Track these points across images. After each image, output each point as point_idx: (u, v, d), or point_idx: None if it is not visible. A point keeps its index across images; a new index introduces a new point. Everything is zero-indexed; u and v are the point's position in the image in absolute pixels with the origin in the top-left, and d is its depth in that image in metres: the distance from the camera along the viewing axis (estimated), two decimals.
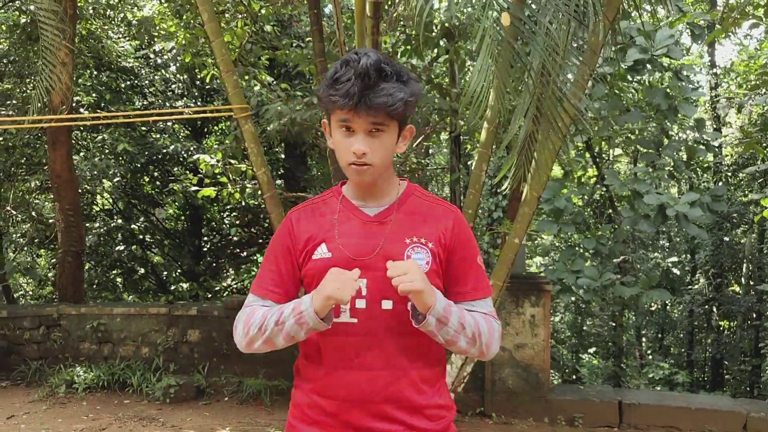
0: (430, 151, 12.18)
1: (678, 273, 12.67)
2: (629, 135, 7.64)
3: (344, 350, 1.52)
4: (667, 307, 13.36)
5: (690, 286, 12.57)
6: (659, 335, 13.97)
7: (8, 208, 9.10)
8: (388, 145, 1.54)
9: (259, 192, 6.74)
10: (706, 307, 12.26)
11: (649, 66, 6.38)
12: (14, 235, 10.18)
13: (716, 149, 9.56)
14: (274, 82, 8.15)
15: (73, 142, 8.86)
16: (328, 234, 1.58)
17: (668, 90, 6.48)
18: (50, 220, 9.58)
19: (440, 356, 1.61)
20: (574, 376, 11.82)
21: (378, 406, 1.50)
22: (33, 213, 9.61)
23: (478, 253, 1.64)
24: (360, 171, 1.52)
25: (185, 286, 9.48)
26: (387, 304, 1.51)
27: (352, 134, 1.50)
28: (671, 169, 7.11)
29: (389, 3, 6.35)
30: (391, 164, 1.61)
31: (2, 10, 8.68)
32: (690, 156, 7.22)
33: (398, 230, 1.55)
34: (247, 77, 7.28)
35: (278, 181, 9.82)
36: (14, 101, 8.88)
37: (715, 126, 11.83)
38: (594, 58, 3.91)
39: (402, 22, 6.67)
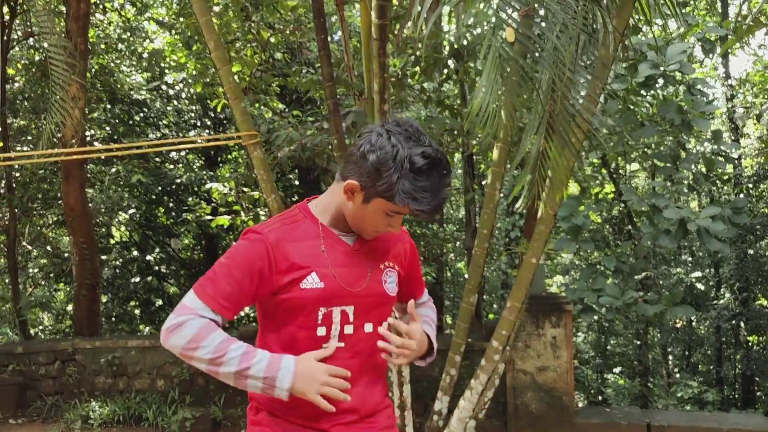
0: None
1: (702, 288, 12.39)
2: (645, 149, 7.52)
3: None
4: (693, 324, 13.05)
5: (715, 301, 12.27)
6: (686, 353, 13.62)
7: (24, 243, 9.16)
8: None
9: None
10: (734, 322, 11.94)
11: (661, 81, 6.28)
12: (31, 270, 10.23)
13: (735, 160, 9.38)
14: (286, 109, 8.16)
15: (88, 175, 8.93)
16: (316, 262, 1.58)
17: (682, 104, 6.37)
18: (66, 254, 9.62)
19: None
20: (599, 397, 11.54)
21: (359, 417, 1.64)
22: (49, 247, 9.67)
23: (420, 261, 1.89)
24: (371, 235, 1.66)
25: None
26: (368, 327, 1.64)
27: (393, 217, 1.59)
28: (690, 182, 6.96)
29: (396, 26, 6.34)
30: None
31: (17, 48, 8.81)
32: (709, 168, 7.07)
33: (375, 258, 1.67)
34: (258, 104, 7.29)
35: None
36: (29, 137, 8.98)
37: (733, 137, 11.64)
38: (605, 71, 3.83)
39: (410, 44, 6.66)
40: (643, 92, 6.66)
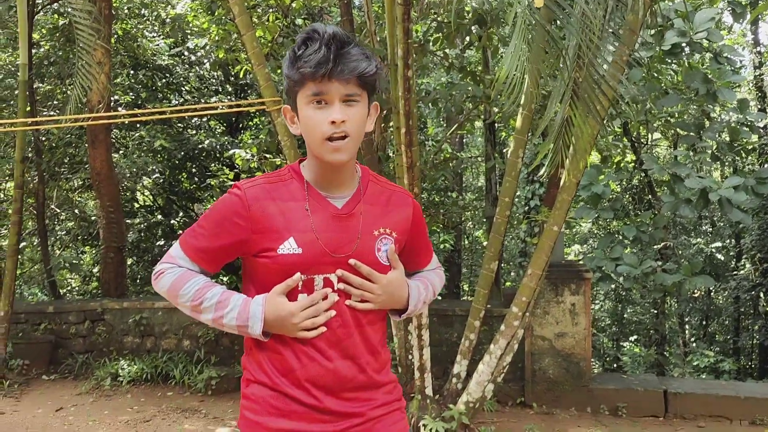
0: (464, 140, 12.08)
1: (722, 258, 12.35)
2: (668, 118, 7.44)
3: (319, 341, 1.51)
4: (712, 294, 13.04)
5: (735, 272, 12.23)
6: (703, 322, 13.64)
7: (53, 206, 9.34)
8: (363, 117, 1.49)
9: None
10: (753, 292, 11.91)
11: (687, 49, 6.18)
12: (59, 233, 10.44)
13: (761, 130, 9.25)
14: None
15: (113, 140, 9.05)
16: (297, 226, 1.49)
17: (707, 73, 6.28)
18: (93, 218, 9.80)
19: (386, 338, 1.69)
20: (615, 365, 11.64)
21: (351, 391, 1.54)
22: (76, 211, 9.85)
23: (426, 227, 1.75)
24: (337, 147, 1.45)
25: (225, 279, 9.58)
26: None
27: (325, 107, 1.44)
28: (714, 151, 6.89)
29: None
30: (358, 146, 1.55)
31: (42, 13, 8.87)
32: (733, 138, 6.99)
33: (367, 223, 1.55)
34: (279, 71, 7.31)
35: None
36: (55, 102, 9.09)
37: (759, 106, 11.45)
38: (633, 38, 3.80)
39: (433, 10, 6.61)
40: (667, 60, 6.56)
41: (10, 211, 7.06)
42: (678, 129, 7.27)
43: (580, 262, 6.92)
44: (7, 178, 9.54)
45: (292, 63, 1.45)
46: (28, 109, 6.66)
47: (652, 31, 5.93)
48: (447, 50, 6.91)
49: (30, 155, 8.00)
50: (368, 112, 1.52)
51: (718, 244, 12.24)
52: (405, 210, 1.63)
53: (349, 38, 1.44)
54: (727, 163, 11.38)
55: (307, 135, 1.48)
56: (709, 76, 6.20)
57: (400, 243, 1.61)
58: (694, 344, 12.70)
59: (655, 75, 6.72)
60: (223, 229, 1.51)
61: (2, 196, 10.22)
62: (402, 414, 1.65)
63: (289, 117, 1.54)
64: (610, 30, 3.63)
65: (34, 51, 8.21)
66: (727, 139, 7.19)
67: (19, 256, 7.60)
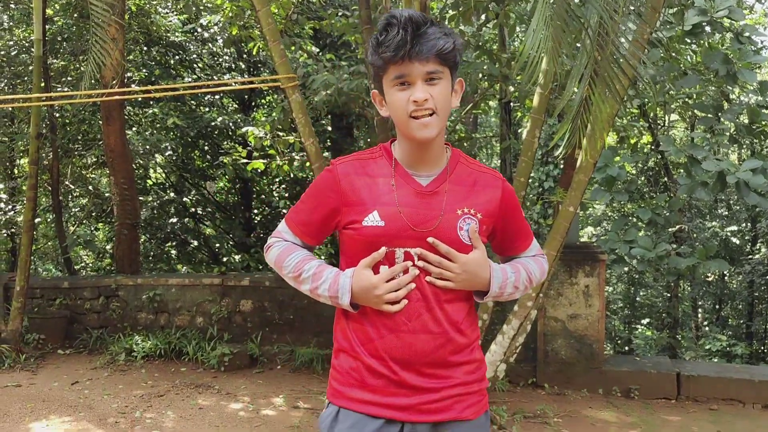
0: (478, 120, 11.97)
1: (737, 242, 12.24)
2: (686, 99, 7.33)
3: (399, 314, 1.56)
4: (726, 278, 12.94)
5: (750, 256, 12.12)
6: (717, 306, 13.56)
7: (67, 182, 9.39)
8: (447, 94, 1.53)
9: (308, 163, 6.75)
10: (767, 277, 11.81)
11: (708, 28, 6.05)
12: (73, 209, 10.52)
13: None
14: (320, 53, 8.09)
15: (126, 117, 9.05)
16: (381, 200, 1.55)
17: (728, 53, 6.15)
18: (106, 194, 9.85)
19: (475, 318, 1.69)
20: (626, 348, 11.62)
21: (427, 366, 1.56)
22: (90, 187, 9.90)
23: (521, 209, 1.74)
24: (423, 123, 1.50)
25: (237, 257, 9.64)
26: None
27: (408, 87, 1.50)
28: (732, 133, 6.79)
29: None
30: (446, 123, 1.59)
31: None
32: (752, 120, 6.87)
33: (451, 201, 1.57)
34: (293, 48, 7.25)
35: (325, 153, 9.82)
36: (69, 78, 9.09)
37: None
38: (654, 15, 3.73)
39: None
40: (687, 40, 6.44)
41: (24, 188, 7.10)
42: (696, 110, 7.17)
43: (594, 244, 6.88)
44: (21, 154, 9.59)
45: (374, 49, 1.51)
46: (43, 84, 6.66)
47: (673, 10, 5.82)
48: (462, 27, 6.82)
49: (44, 131, 8.02)
50: (452, 88, 1.56)
51: (734, 227, 12.13)
52: (493, 192, 1.63)
53: (426, 19, 1.49)
54: (745, 146, 11.22)
55: (394, 115, 1.54)
56: (730, 57, 6.08)
57: (487, 225, 1.62)
58: (707, 328, 12.65)
59: (674, 55, 6.61)
60: (318, 202, 1.63)
61: (17, 172, 10.28)
62: (481, 396, 1.65)
63: (378, 101, 1.61)
64: (632, 7, 3.56)
65: (47, 27, 8.19)
66: (746, 121, 7.08)
67: (34, 233, 7.66)
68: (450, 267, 1.54)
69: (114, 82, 7.14)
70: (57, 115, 8.84)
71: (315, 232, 1.67)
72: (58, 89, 8.82)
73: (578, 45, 3.51)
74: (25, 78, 8.70)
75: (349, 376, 1.60)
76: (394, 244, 1.54)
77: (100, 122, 8.13)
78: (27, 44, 9.00)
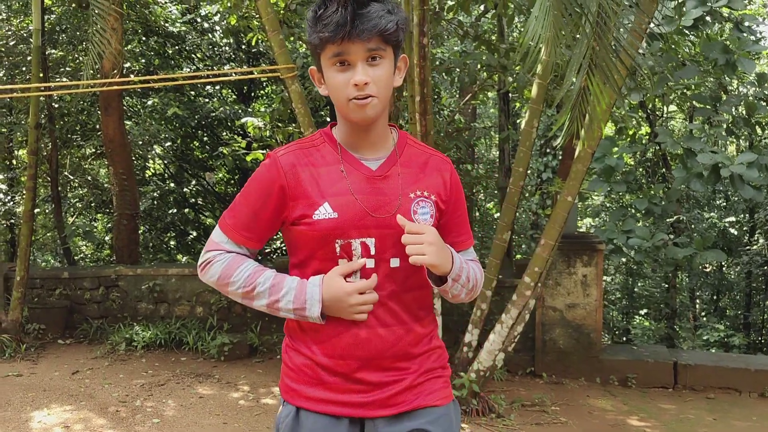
0: (477, 110, 11.97)
1: (735, 233, 12.26)
2: (684, 90, 7.34)
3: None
4: (723, 269, 12.98)
5: (748, 247, 12.15)
6: (714, 297, 13.61)
7: (66, 173, 9.39)
8: (388, 75, 1.43)
9: None
10: (765, 268, 11.85)
11: (708, 19, 6.05)
12: (72, 200, 10.52)
13: None
14: None
15: (125, 107, 9.04)
16: (331, 190, 1.45)
17: (727, 43, 6.16)
18: (105, 185, 9.85)
19: (431, 306, 1.62)
20: (624, 338, 11.67)
21: (387, 361, 1.49)
22: (88, 178, 9.90)
23: (465, 203, 1.65)
24: (363, 105, 1.40)
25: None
26: (395, 262, 1.48)
27: (348, 68, 1.40)
28: (729, 125, 6.80)
29: None
30: (388, 104, 1.50)
31: None
32: (750, 112, 6.89)
33: (403, 185, 1.49)
34: (292, 38, 7.24)
35: None
36: (67, 68, 9.07)
37: None
38: (653, 5, 3.74)
39: None
40: (686, 32, 6.44)
41: (23, 178, 7.10)
42: (694, 101, 7.18)
43: (593, 234, 6.90)
44: (20, 144, 9.58)
45: (312, 26, 1.41)
46: (41, 75, 6.66)
47: (673, 4, 5.82)
48: (461, 18, 6.82)
49: (43, 122, 8.02)
50: (395, 67, 1.47)
51: (732, 218, 12.15)
52: (443, 173, 1.56)
53: None
54: (742, 138, 11.23)
55: (334, 97, 1.45)
56: (729, 46, 6.08)
57: (439, 209, 1.53)
58: (705, 319, 12.70)
59: (673, 46, 6.61)
60: (263, 201, 1.48)
61: (16, 162, 10.28)
62: (445, 383, 1.58)
63: (317, 78, 1.51)
64: None
65: (46, 17, 8.17)
66: (744, 113, 7.09)
67: (33, 223, 7.67)
68: (422, 239, 1.41)
69: (114, 72, 7.14)
70: (56, 105, 8.83)
71: (261, 235, 1.51)
72: (57, 79, 8.80)
73: (577, 35, 3.52)
74: (24, 68, 8.68)
75: (303, 373, 1.51)
76: (349, 235, 1.44)
77: (99, 113, 8.13)
78: (25, 34, 8.98)
